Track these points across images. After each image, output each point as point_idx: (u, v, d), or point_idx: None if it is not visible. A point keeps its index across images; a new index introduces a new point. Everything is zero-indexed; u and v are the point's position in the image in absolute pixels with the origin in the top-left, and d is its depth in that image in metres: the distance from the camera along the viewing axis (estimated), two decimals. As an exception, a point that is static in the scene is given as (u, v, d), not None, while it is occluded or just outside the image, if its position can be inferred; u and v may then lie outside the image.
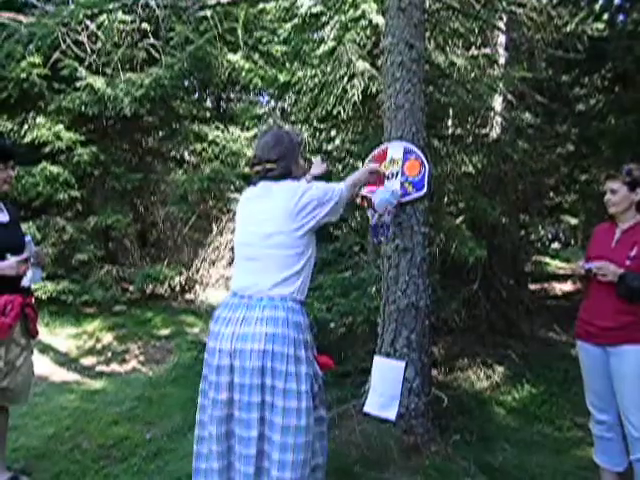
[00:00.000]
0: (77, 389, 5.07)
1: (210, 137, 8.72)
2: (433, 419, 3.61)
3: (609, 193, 2.83)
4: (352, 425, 3.44)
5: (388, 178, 3.63)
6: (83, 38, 5.93)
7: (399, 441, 3.32)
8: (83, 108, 7.32)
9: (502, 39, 6.16)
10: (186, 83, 9.17)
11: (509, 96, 5.64)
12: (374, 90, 4.69)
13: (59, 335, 6.95)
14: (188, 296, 9.13)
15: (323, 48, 4.88)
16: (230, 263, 9.12)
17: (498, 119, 6.02)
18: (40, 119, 7.39)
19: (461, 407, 4.29)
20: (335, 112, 5.04)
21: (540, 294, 8.54)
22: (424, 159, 3.52)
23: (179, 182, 8.29)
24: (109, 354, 6.52)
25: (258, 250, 2.29)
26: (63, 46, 5.69)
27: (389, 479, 3.05)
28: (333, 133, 5.91)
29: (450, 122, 6.10)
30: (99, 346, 6.77)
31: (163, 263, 8.73)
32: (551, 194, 9.02)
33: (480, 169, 5.50)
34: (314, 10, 4.93)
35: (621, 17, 6.98)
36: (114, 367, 6.14)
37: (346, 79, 4.76)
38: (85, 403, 4.55)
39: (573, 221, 10.82)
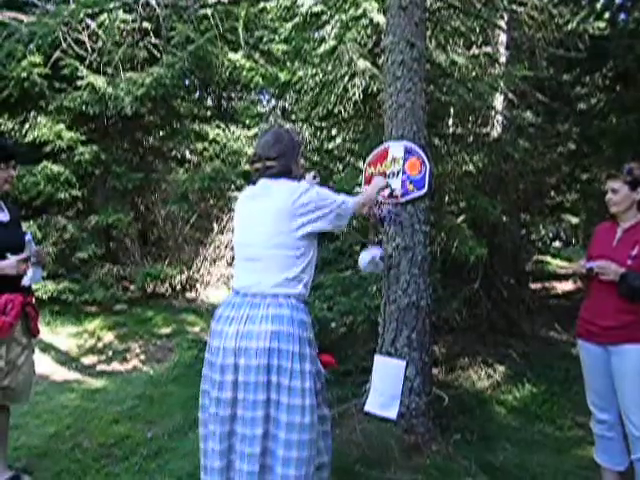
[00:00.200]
0: (78, 388, 5.07)
1: (211, 136, 8.73)
2: (434, 418, 3.61)
3: (610, 193, 2.82)
4: (353, 424, 3.44)
5: (389, 177, 3.63)
6: (84, 37, 5.95)
7: (400, 440, 3.32)
8: (84, 107, 7.32)
9: (503, 38, 6.15)
10: (187, 82, 9.19)
11: (510, 95, 5.64)
12: (375, 89, 4.68)
13: (60, 334, 6.95)
14: (189, 295, 9.14)
15: (324, 47, 4.87)
16: (231, 262, 9.13)
17: (499, 118, 6.02)
18: (41, 118, 7.40)
19: (462, 406, 4.29)
20: (336, 111, 5.04)
21: (541, 293, 8.54)
22: (425, 158, 3.52)
23: (180, 181, 8.28)
24: (110, 353, 6.52)
25: (259, 250, 2.28)
26: (64, 45, 5.70)
27: (390, 478, 3.05)
28: (334, 132, 5.90)
29: (451, 121, 6.09)
30: (100, 345, 6.78)
31: (164, 262, 8.74)
32: (552, 193, 9.00)
33: (481, 168, 5.50)
34: (315, 9, 4.93)
35: (622, 16, 6.99)
36: (115, 366, 6.15)
37: (347, 78, 4.76)
38: (86, 402, 4.56)
39: (574, 220, 10.79)
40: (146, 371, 5.78)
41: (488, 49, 5.70)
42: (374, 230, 3.76)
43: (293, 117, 5.88)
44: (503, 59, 6.02)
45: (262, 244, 2.27)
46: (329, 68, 4.85)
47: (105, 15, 6.02)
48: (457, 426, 3.82)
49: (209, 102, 10.98)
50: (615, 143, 6.79)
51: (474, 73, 5.12)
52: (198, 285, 9.17)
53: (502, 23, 5.93)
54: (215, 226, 9.40)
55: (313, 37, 5.22)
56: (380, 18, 4.52)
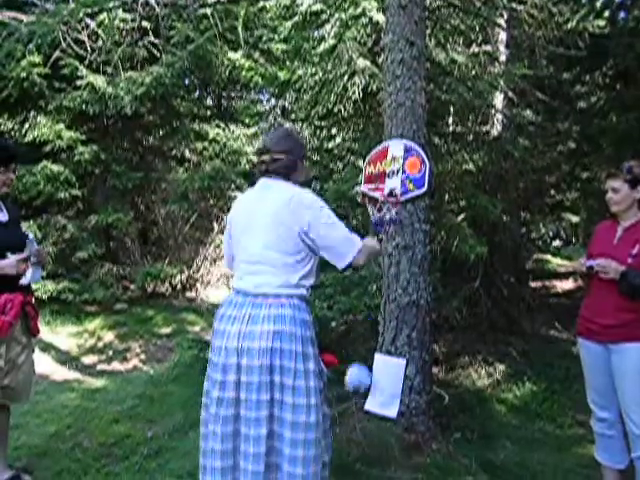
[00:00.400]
0: (78, 387, 5.07)
1: (211, 135, 8.73)
2: (434, 417, 3.62)
3: (610, 192, 2.81)
4: (353, 423, 3.45)
5: (389, 176, 3.63)
6: (83, 37, 5.94)
7: (400, 439, 3.33)
8: (84, 107, 7.32)
9: (503, 36, 6.14)
10: (187, 81, 9.18)
11: (510, 93, 5.63)
12: (375, 88, 4.68)
13: (60, 334, 6.96)
14: (189, 294, 9.14)
15: (323, 46, 4.87)
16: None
17: (499, 117, 6.01)
18: (41, 118, 7.39)
19: (462, 405, 4.29)
20: (336, 110, 5.03)
21: (541, 292, 8.54)
22: (425, 157, 3.52)
23: (180, 180, 8.28)
24: (110, 353, 6.53)
25: (260, 254, 2.25)
26: (63, 45, 5.70)
27: (390, 477, 3.05)
28: (334, 131, 5.90)
29: (451, 120, 6.09)
30: (100, 345, 6.78)
31: (164, 261, 8.74)
32: (552, 192, 9.00)
33: (481, 167, 5.50)
34: (314, 8, 4.92)
35: (622, 14, 6.97)
36: (115, 365, 6.15)
37: (346, 77, 4.76)
38: (86, 401, 4.55)
39: (574, 219, 10.80)
40: (146, 371, 5.78)
41: (488, 47, 5.70)
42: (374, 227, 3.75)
43: (293, 116, 5.88)
44: (503, 57, 6.02)
45: (263, 248, 2.25)
46: (329, 67, 4.85)
47: (104, 14, 6.02)
48: (457, 425, 3.82)
49: (209, 101, 10.97)
50: (615, 142, 6.78)
51: (474, 72, 5.12)
52: (198, 285, 9.17)
53: (502, 21, 5.92)
54: (215, 225, 9.40)
55: (313, 36, 5.22)
56: (380, 17, 4.52)
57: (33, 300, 3.02)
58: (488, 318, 5.74)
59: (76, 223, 7.72)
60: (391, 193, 3.56)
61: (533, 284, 8.21)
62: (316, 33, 5.25)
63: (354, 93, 4.71)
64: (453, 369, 5.24)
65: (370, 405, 3.55)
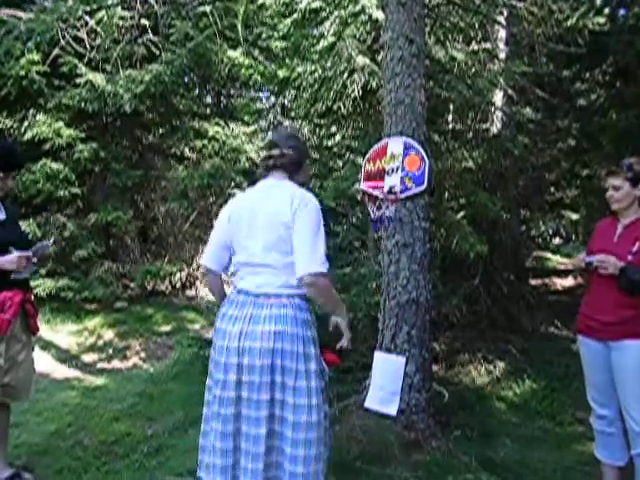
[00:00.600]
0: (78, 386, 5.08)
1: (210, 133, 8.72)
2: (434, 414, 3.62)
3: (611, 189, 2.80)
4: (353, 421, 3.45)
5: (388, 174, 3.63)
6: (82, 34, 5.92)
7: (400, 436, 3.33)
8: (83, 105, 7.32)
9: (502, 34, 6.14)
10: (186, 79, 9.16)
11: (510, 91, 5.62)
12: (374, 85, 4.67)
13: (60, 332, 6.96)
14: (189, 292, 9.15)
15: (323, 43, 4.86)
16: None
17: (499, 114, 6.01)
18: (40, 116, 7.39)
19: (462, 402, 4.29)
20: (335, 108, 5.03)
21: (541, 289, 8.53)
22: (424, 154, 3.52)
23: (179, 178, 8.28)
24: (110, 351, 6.53)
25: (262, 255, 2.24)
26: (62, 42, 5.67)
27: (390, 474, 3.05)
28: (333, 129, 5.90)
29: (450, 117, 6.09)
30: (100, 343, 6.79)
31: (164, 260, 8.75)
32: (552, 189, 9.01)
33: (481, 164, 5.50)
34: (313, 5, 4.92)
35: (622, 11, 6.95)
36: (115, 364, 6.16)
37: (346, 74, 4.75)
38: (86, 400, 4.56)
39: (574, 216, 10.79)
40: (146, 369, 5.79)
41: (487, 45, 5.69)
42: (373, 225, 3.76)
43: (292, 114, 5.87)
44: (502, 55, 6.01)
45: (265, 248, 2.24)
46: (328, 65, 4.85)
47: (103, 12, 6.00)
48: (457, 422, 3.83)
49: (208, 99, 10.97)
50: (615, 139, 6.78)
51: (473, 69, 5.11)
52: (198, 283, 9.18)
53: (501, 19, 5.91)
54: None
55: (312, 33, 5.21)
56: (379, 14, 4.51)
57: (32, 298, 3.02)
58: (488, 316, 5.74)
59: (76, 221, 7.72)
60: (390, 191, 3.57)
61: (533, 282, 8.21)
62: (315, 31, 5.25)
63: (353, 91, 4.71)
64: (453, 367, 5.24)
65: (370, 403, 3.55)
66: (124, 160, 8.28)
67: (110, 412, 4.18)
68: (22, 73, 6.91)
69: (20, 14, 6.08)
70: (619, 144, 6.66)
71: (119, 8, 6.39)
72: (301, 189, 2.35)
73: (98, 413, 4.17)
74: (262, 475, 2.14)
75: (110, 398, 4.57)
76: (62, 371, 5.70)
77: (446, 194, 5.49)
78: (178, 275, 8.81)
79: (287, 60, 5.48)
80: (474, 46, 5.52)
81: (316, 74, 4.94)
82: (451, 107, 5.67)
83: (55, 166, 7.25)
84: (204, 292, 9.05)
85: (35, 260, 2.86)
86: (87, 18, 5.82)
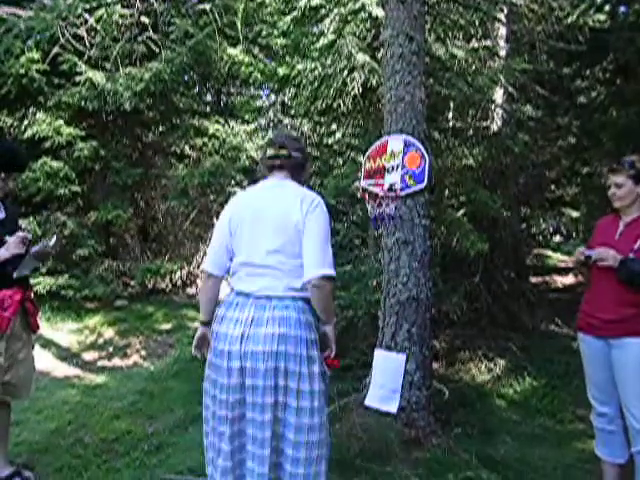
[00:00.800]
0: (79, 384, 5.08)
1: (210, 131, 8.71)
2: (434, 412, 3.62)
3: (614, 187, 2.79)
4: (353, 418, 3.45)
5: (389, 171, 3.62)
6: (82, 32, 5.92)
7: (400, 434, 3.33)
8: (83, 103, 7.30)
9: (503, 31, 6.13)
10: (186, 77, 9.14)
11: (510, 88, 5.61)
12: (374, 83, 4.67)
13: (60, 330, 6.96)
14: (189, 290, 9.15)
15: (323, 41, 4.85)
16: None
17: (499, 112, 6.00)
18: (40, 114, 7.37)
19: (462, 400, 4.29)
20: (335, 105, 5.03)
21: (541, 287, 8.54)
22: (424, 152, 3.52)
23: (180, 177, 8.27)
24: (110, 349, 6.53)
25: (267, 257, 2.21)
26: (62, 40, 5.67)
27: (391, 472, 3.06)
28: (333, 127, 5.89)
29: (451, 115, 6.08)
30: (100, 341, 6.79)
31: (164, 258, 8.75)
32: (552, 187, 9.01)
33: (481, 162, 5.49)
34: (313, 2, 4.90)
35: (623, 8, 6.94)
36: (115, 362, 6.16)
37: (346, 72, 4.75)
38: (87, 398, 4.56)
39: (574, 214, 10.78)
40: (147, 367, 5.79)
41: (488, 42, 5.68)
42: (373, 222, 3.76)
43: (292, 112, 5.87)
44: (503, 52, 6.00)
45: (272, 250, 2.21)
46: (328, 62, 4.84)
47: (103, 10, 6.00)
48: (457, 420, 3.83)
49: (208, 97, 10.95)
50: (615, 136, 6.77)
51: (474, 66, 5.11)
52: (198, 281, 9.18)
53: (502, 16, 5.90)
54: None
55: (312, 31, 5.21)
56: (379, 11, 4.51)
57: (32, 296, 3.02)
58: (488, 313, 5.74)
59: (76, 220, 7.71)
60: (391, 188, 3.57)
61: (533, 279, 8.21)
62: (315, 28, 5.24)
63: (353, 88, 4.71)
64: (453, 364, 5.25)
65: (370, 400, 3.56)
66: (124, 158, 8.27)
67: (110, 410, 4.18)
68: (22, 71, 6.90)
69: (20, 12, 6.08)
70: (619, 141, 6.65)
71: (119, 6, 6.39)
72: (307, 189, 2.36)
73: (98, 411, 4.17)
74: (268, 477, 2.14)
75: (110, 396, 4.58)
76: (62, 369, 5.70)
77: (446, 192, 5.48)
78: (178, 273, 8.81)
79: (287, 58, 5.48)
80: (474, 43, 5.51)
81: (316, 72, 4.93)
82: (451, 104, 5.66)
83: (55, 164, 7.24)
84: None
85: (32, 253, 2.85)
86: (87, 16, 5.83)
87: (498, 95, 5.97)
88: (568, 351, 5.30)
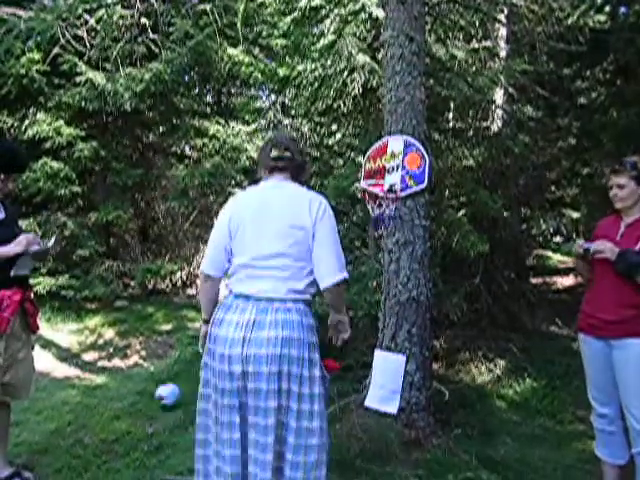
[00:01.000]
0: (79, 384, 5.08)
1: (211, 132, 8.70)
2: (434, 413, 3.62)
3: (616, 188, 2.79)
4: (353, 419, 3.45)
5: (389, 172, 3.62)
6: (82, 33, 5.93)
7: (400, 435, 3.33)
8: (83, 103, 7.30)
9: (503, 32, 6.13)
10: (186, 78, 9.15)
11: (510, 89, 5.62)
12: (374, 84, 4.67)
13: (61, 331, 6.96)
14: (189, 291, 9.16)
15: (323, 41, 4.85)
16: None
17: (499, 112, 6.00)
18: (40, 115, 7.38)
19: (462, 401, 4.29)
20: (335, 106, 5.03)
21: (542, 288, 8.53)
22: (425, 152, 3.51)
23: (180, 177, 8.27)
24: (110, 349, 6.53)
25: (271, 259, 2.19)
26: (62, 41, 5.68)
27: (390, 473, 3.05)
28: (334, 127, 5.89)
29: (451, 115, 6.08)
30: (101, 341, 6.79)
31: (164, 258, 8.75)
32: (552, 188, 9.00)
33: (481, 162, 5.49)
34: (314, 3, 4.90)
35: (623, 9, 6.94)
36: (116, 362, 6.16)
37: (346, 73, 4.75)
38: (87, 398, 4.56)
39: (575, 215, 10.78)
40: (147, 367, 5.79)
41: (488, 43, 5.68)
42: (373, 223, 3.76)
43: (292, 112, 5.86)
44: (503, 53, 6.01)
45: (276, 252, 2.18)
46: (328, 63, 4.84)
47: (103, 10, 6.00)
48: (458, 420, 3.82)
49: (209, 98, 10.94)
50: (615, 137, 6.77)
51: (474, 67, 5.12)
52: (198, 281, 9.16)
53: (502, 17, 5.91)
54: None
55: (312, 32, 5.20)
56: (379, 12, 4.51)
57: (32, 296, 3.02)
58: (488, 314, 5.73)
59: (76, 220, 7.72)
60: (391, 189, 3.57)
61: (533, 280, 8.21)
62: (315, 29, 5.24)
63: (354, 89, 4.71)
64: (453, 365, 5.24)
65: (370, 401, 3.55)
66: (124, 159, 8.28)
67: (110, 411, 4.18)
68: (22, 72, 6.90)
69: (20, 13, 6.08)
70: (620, 142, 6.65)
71: (119, 6, 6.39)
72: (311, 191, 2.35)
73: (98, 412, 4.17)
74: None
75: (110, 397, 4.58)
76: (62, 370, 5.70)
77: (446, 192, 5.48)
78: (179, 274, 8.82)
79: (287, 58, 5.48)
80: (474, 44, 5.51)
81: (316, 72, 4.93)
82: (451, 105, 5.66)
83: (55, 165, 7.24)
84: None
85: (31, 252, 2.85)
86: (87, 17, 5.83)
87: (498, 96, 5.98)
88: (568, 352, 5.30)
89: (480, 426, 3.86)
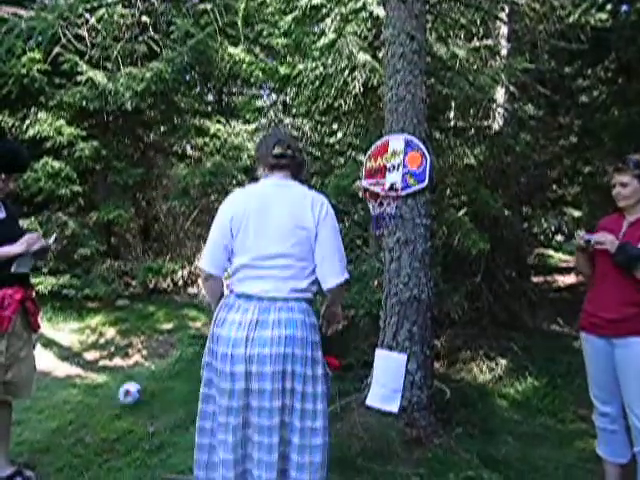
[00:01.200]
0: (80, 383, 5.08)
1: (212, 131, 8.71)
2: (435, 412, 3.62)
3: (619, 186, 2.78)
4: (354, 418, 3.45)
5: (390, 171, 3.62)
6: (83, 32, 5.93)
7: (401, 434, 3.33)
8: (84, 103, 7.30)
9: (504, 30, 6.12)
10: (187, 77, 9.15)
11: (511, 88, 5.61)
12: (375, 82, 4.67)
13: (62, 330, 6.97)
14: (190, 290, 9.16)
15: (324, 40, 4.85)
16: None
17: (500, 111, 6.00)
18: (41, 114, 7.37)
19: (464, 400, 4.28)
20: (336, 105, 5.03)
21: (543, 286, 8.52)
22: (425, 151, 3.51)
23: (181, 176, 8.27)
24: (112, 348, 6.53)
25: (273, 259, 2.18)
26: (63, 40, 5.68)
27: (392, 472, 3.05)
28: (334, 126, 5.89)
29: (452, 114, 6.08)
30: (102, 340, 6.79)
31: (165, 257, 8.76)
32: (554, 186, 8.97)
33: (482, 161, 5.48)
34: (314, 2, 4.90)
35: (624, 7, 6.94)
36: (117, 361, 6.16)
37: (347, 71, 4.74)
38: (88, 397, 4.56)
39: (576, 213, 10.76)
40: (148, 366, 5.79)
41: (489, 41, 5.68)
42: (374, 223, 3.75)
43: (293, 111, 5.86)
44: (504, 51, 6.00)
45: (277, 252, 2.18)
46: (329, 62, 4.84)
47: (104, 9, 6.00)
48: (459, 419, 3.82)
49: (209, 97, 10.95)
50: (617, 136, 6.76)
51: (475, 66, 5.10)
52: (199, 280, 9.17)
53: (503, 15, 5.90)
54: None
55: (313, 30, 5.21)
56: (380, 11, 4.50)
57: (33, 295, 3.02)
58: (490, 313, 5.73)
59: (77, 220, 7.72)
60: (392, 188, 3.57)
61: (535, 279, 8.20)
62: (316, 28, 5.24)
63: (354, 88, 4.71)
64: (454, 364, 5.24)
65: (371, 400, 3.55)
66: (125, 158, 8.27)
67: (112, 410, 4.18)
68: (23, 71, 6.89)
69: (21, 12, 6.09)
70: (621, 141, 6.64)
71: (119, 6, 6.39)
72: (312, 191, 2.35)
73: (100, 411, 4.17)
74: None
75: (112, 396, 4.57)
76: (64, 369, 5.70)
77: (448, 191, 5.48)
78: (180, 273, 8.82)
79: (288, 57, 5.48)
80: (475, 43, 5.51)
81: (317, 71, 4.93)
82: (452, 104, 5.66)
83: (56, 164, 7.24)
84: (206, 290, 9.04)
85: (32, 251, 2.85)
86: (88, 16, 5.84)
87: (499, 94, 5.97)
88: (570, 351, 5.30)
89: (481, 425, 3.86)
